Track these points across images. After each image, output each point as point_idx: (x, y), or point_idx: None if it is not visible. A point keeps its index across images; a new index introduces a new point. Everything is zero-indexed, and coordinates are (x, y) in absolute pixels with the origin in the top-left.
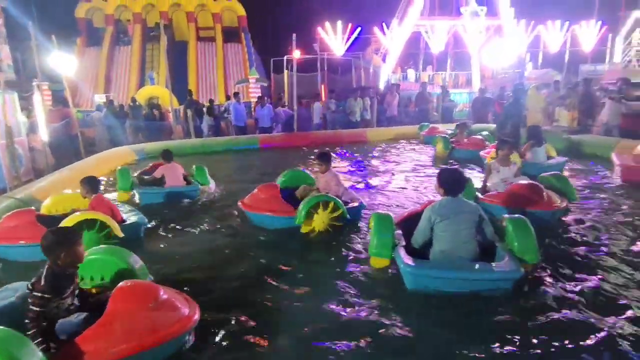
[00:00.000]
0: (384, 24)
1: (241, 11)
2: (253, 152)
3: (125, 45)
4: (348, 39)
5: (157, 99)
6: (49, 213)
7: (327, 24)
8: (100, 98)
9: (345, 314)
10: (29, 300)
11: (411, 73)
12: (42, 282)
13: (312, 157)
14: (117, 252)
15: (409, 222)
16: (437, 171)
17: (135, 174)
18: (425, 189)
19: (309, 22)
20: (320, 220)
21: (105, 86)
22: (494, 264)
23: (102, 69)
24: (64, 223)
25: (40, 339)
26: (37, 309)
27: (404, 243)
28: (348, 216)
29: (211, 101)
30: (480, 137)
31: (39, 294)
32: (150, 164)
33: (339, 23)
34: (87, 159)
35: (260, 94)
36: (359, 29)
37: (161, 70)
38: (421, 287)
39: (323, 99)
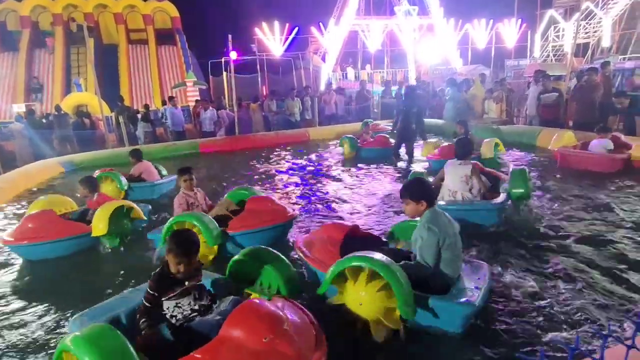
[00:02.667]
0: (321, 24)
1: (174, 12)
2: (194, 157)
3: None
4: (286, 39)
5: (85, 106)
6: None
7: (264, 25)
8: (19, 108)
9: None
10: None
11: (350, 72)
12: (151, 279)
13: (257, 161)
14: (266, 255)
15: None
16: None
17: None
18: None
19: (245, 23)
20: None
21: (25, 95)
22: None
23: (20, 75)
24: (101, 211)
25: (146, 331)
26: (146, 303)
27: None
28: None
29: (146, 106)
30: (386, 135)
31: (148, 290)
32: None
33: (276, 23)
34: (6, 175)
35: (198, 97)
36: (296, 29)
37: (88, 75)
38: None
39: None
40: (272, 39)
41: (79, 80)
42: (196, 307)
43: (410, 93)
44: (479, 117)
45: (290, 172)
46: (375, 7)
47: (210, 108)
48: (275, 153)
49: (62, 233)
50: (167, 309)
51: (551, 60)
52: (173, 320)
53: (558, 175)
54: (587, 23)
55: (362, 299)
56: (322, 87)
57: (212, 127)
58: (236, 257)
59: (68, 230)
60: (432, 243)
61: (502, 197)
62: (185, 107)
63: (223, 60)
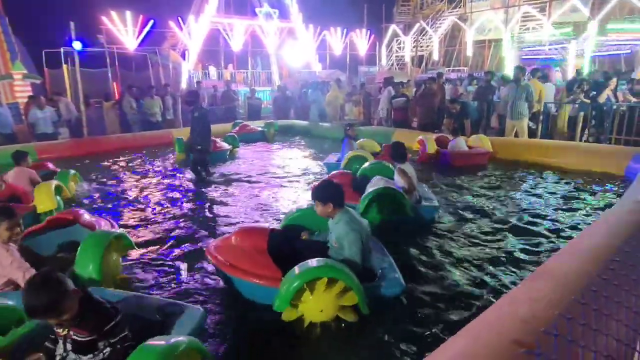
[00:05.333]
0: (180, 19)
1: None
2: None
3: None
4: (140, 32)
5: None
6: None
7: (114, 14)
8: None
9: None
10: None
11: (212, 70)
12: None
13: (108, 166)
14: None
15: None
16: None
17: None
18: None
19: (89, 10)
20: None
21: None
22: None
23: None
24: (43, 189)
25: None
26: None
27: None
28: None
29: None
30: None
31: None
32: None
33: (128, 13)
34: None
35: (30, 93)
36: (151, 21)
37: None
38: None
39: (116, 97)
40: (123, 30)
41: None
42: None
43: (192, 97)
44: (337, 118)
45: (139, 176)
46: (236, 6)
47: (48, 107)
48: (130, 157)
49: None
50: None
51: (395, 68)
52: None
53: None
54: (421, 38)
55: (322, 305)
56: (183, 85)
57: (52, 128)
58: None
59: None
60: (358, 241)
61: None
62: (12, 104)
63: (62, 50)
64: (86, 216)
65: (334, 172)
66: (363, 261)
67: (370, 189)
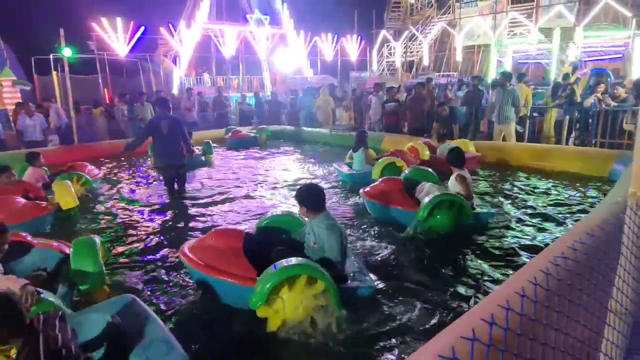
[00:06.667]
0: (170, 26)
1: None
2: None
3: None
4: (131, 38)
5: None
6: None
7: (104, 20)
8: None
9: None
10: None
11: (206, 77)
12: None
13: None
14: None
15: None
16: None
17: None
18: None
19: (79, 16)
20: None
21: None
22: None
23: None
24: (62, 187)
25: None
26: None
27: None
28: None
29: None
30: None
31: None
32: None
33: (119, 20)
34: None
35: (19, 100)
36: (142, 28)
37: None
38: None
39: (107, 103)
40: (114, 37)
41: None
42: None
43: (159, 105)
44: (328, 123)
45: (121, 183)
46: (228, 12)
47: (36, 114)
48: (118, 163)
49: (41, 211)
50: None
51: (386, 73)
52: None
53: None
54: (411, 44)
55: (299, 303)
56: (175, 91)
57: (41, 135)
58: None
59: (40, 209)
60: (339, 243)
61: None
62: (1, 111)
63: (52, 57)
64: (29, 238)
65: (382, 178)
66: (342, 263)
67: (425, 196)
